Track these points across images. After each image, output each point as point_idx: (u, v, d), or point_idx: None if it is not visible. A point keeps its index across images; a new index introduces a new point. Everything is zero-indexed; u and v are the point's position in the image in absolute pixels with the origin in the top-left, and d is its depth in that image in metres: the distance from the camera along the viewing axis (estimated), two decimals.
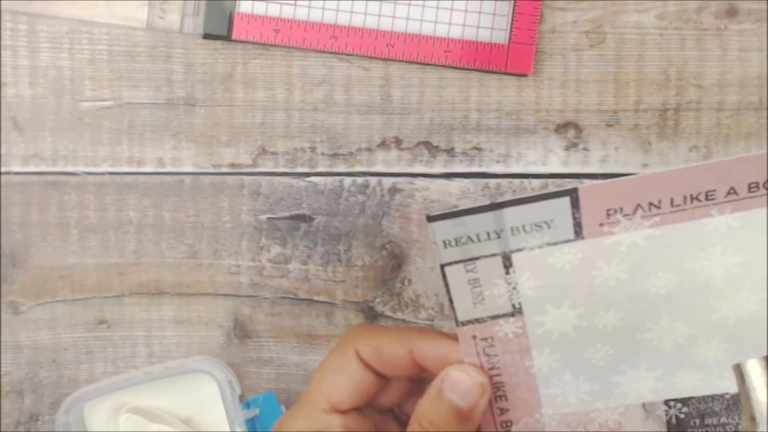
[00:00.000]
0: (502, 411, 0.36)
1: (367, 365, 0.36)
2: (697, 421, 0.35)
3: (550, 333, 0.34)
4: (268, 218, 0.50)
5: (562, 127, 0.49)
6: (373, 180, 0.50)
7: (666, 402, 0.35)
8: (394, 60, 0.49)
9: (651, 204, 0.31)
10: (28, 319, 0.50)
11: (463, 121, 0.49)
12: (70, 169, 0.49)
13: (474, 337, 0.34)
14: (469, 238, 0.33)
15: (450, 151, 0.49)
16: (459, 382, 0.34)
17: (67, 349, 0.50)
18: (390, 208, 0.50)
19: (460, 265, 0.33)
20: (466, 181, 0.49)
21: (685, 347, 0.34)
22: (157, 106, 0.49)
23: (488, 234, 0.32)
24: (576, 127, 0.49)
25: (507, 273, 0.33)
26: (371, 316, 0.50)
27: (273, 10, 0.48)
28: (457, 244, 0.33)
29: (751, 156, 0.30)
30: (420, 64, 0.49)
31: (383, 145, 0.49)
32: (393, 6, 0.48)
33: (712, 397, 0.35)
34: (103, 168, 0.49)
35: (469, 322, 0.34)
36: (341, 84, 0.49)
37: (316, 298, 0.50)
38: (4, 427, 0.50)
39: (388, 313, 0.50)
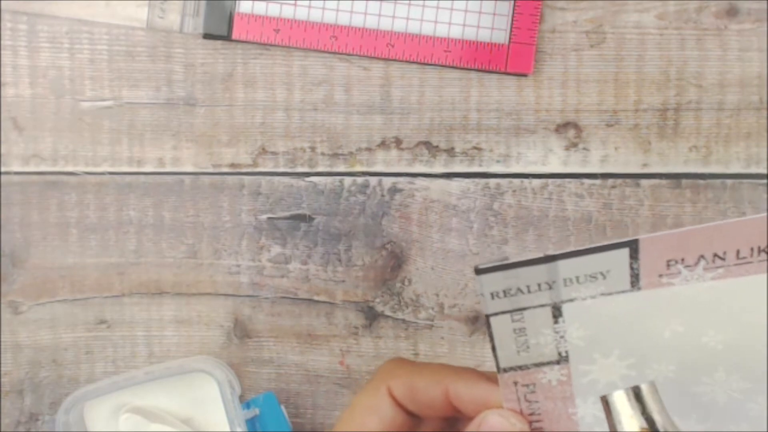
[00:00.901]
0: None
1: (399, 404, 0.35)
2: None
3: (597, 382, 0.33)
4: (268, 218, 0.50)
5: (562, 127, 0.49)
6: (373, 180, 0.50)
7: None
8: (394, 60, 0.49)
9: (716, 255, 0.30)
10: (28, 319, 0.50)
11: (463, 121, 0.49)
12: (70, 169, 0.49)
13: (515, 383, 0.33)
14: (519, 290, 0.31)
15: (450, 151, 0.49)
16: (497, 427, 0.33)
17: (67, 349, 0.50)
18: (390, 208, 0.50)
19: (507, 315, 0.32)
20: (466, 180, 0.49)
21: (740, 401, 0.33)
22: (157, 106, 0.49)
23: (539, 285, 0.31)
24: (576, 127, 0.49)
25: (556, 322, 0.32)
26: (371, 315, 0.50)
27: (273, 10, 0.48)
28: (505, 296, 0.31)
29: None
30: (420, 63, 0.49)
31: (383, 145, 0.49)
32: (393, 6, 0.48)
33: None
34: (103, 168, 0.49)
35: (512, 369, 0.33)
36: (341, 84, 0.49)
37: (316, 297, 0.50)
38: (4, 427, 0.50)
39: (388, 313, 0.50)
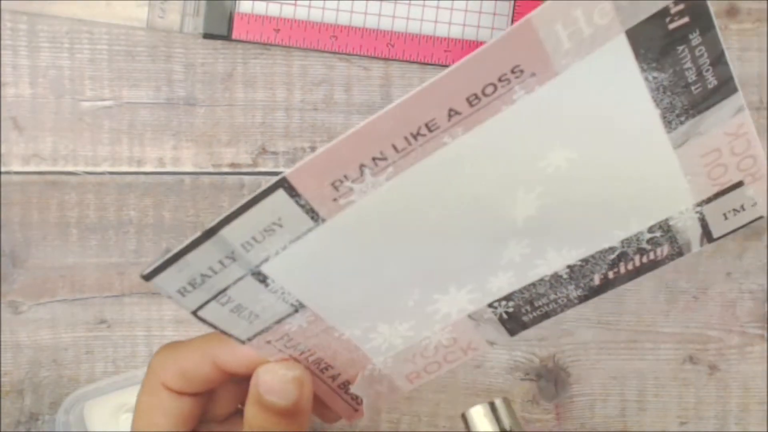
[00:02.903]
0: (334, 377, 0.35)
1: (179, 393, 0.35)
2: (528, 307, 0.35)
3: (344, 309, 0.33)
4: None
5: None
6: None
7: (490, 305, 0.35)
8: (395, 60, 0.49)
9: (375, 159, 0.29)
10: (28, 318, 0.50)
11: None
12: (70, 168, 0.49)
13: (268, 342, 0.33)
14: (204, 276, 0.30)
15: None
16: (271, 383, 0.33)
17: (67, 349, 0.50)
18: None
19: (213, 303, 0.31)
20: None
21: (486, 259, 0.33)
22: (157, 105, 0.49)
23: (221, 262, 0.30)
24: None
25: (267, 285, 0.31)
26: None
27: (273, 9, 0.48)
28: (194, 288, 0.30)
29: (455, 67, 0.27)
30: (420, 63, 0.49)
31: None
32: (393, 6, 0.48)
33: (533, 285, 0.34)
34: (103, 168, 0.49)
35: (255, 335, 0.32)
36: (341, 84, 0.49)
37: None
38: (4, 427, 0.50)
39: None
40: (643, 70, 0.29)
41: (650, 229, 0.34)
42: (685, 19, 0.28)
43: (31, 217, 0.50)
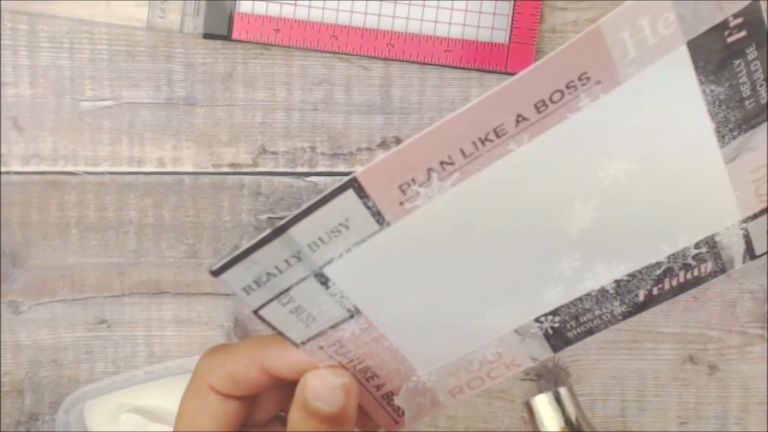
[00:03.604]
0: (379, 387, 0.35)
1: (227, 396, 0.35)
2: (573, 323, 0.35)
3: (397, 318, 0.33)
4: (269, 218, 0.50)
5: None
6: None
7: (536, 320, 0.34)
8: (395, 60, 0.49)
9: (443, 163, 0.29)
10: (28, 318, 0.50)
11: None
12: (70, 168, 0.49)
13: (320, 347, 0.33)
14: (269, 274, 0.30)
15: None
16: (319, 389, 0.33)
17: (67, 349, 0.50)
18: None
19: (274, 303, 0.31)
20: None
21: (538, 271, 0.33)
22: (157, 105, 0.49)
23: (287, 261, 0.30)
24: None
25: (327, 288, 0.31)
26: None
27: (273, 9, 0.48)
28: (259, 286, 0.30)
29: (526, 72, 0.28)
30: (420, 63, 0.49)
31: (383, 144, 0.49)
32: (393, 6, 0.48)
33: (580, 299, 0.34)
34: (103, 168, 0.49)
35: (309, 339, 0.33)
36: (341, 84, 0.49)
37: None
38: (5, 427, 0.50)
39: None
40: (701, 82, 0.29)
41: (696, 245, 0.33)
42: (743, 33, 0.29)
43: (31, 217, 0.50)
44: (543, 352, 0.36)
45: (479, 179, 0.29)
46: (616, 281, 0.34)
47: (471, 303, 0.33)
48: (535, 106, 0.28)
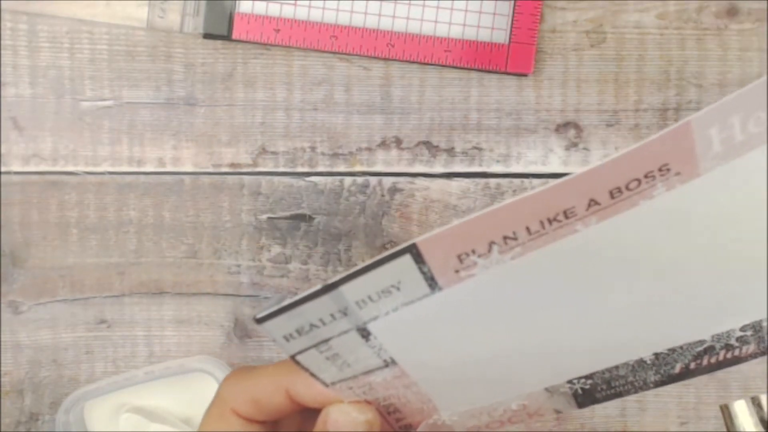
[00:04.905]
0: (399, 420, 0.35)
1: (249, 420, 0.35)
2: (604, 386, 0.35)
3: (431, 371, 0.33)
4: (269, 218, 0.50)
5: (562, 127, 0.49)
6: (373, 180, 0.49)
7: (569, 381, 0.34)
8: (395, 60, 0.49)
9: (506, 237, 0.28)
10: (28, 318, 0.50)
11: (464, 121, 0.49)
12: (70, 168, 0.49)
13: (350, 388, 0.33)
14: (313, 326, 0.30)
15: (450, 151, 0.49)
16: (342, 424, 0.33)
17: (67, 349, 0.50)
18: (390, 208, 0.50)
19: (313, 350, 0.31)
20: (467, 180, 0.49)
21: (582, 343, 0.33)
22: (157, 105, 0.49)
23: (332, 315, 0.30)
24: (576, 126, 0.49)
25: (368, 341, 0.31)
26: None
27: (273, 9, 0.48)
28: (300, 335, 0.30)
29: (608, 162, 0.27)
30: (420, 63, 0.49)
31: (383, 144, 0.49)
32: (393, 6, 0.48)
33: (616, 367, 0.34)
34: (103, 168, 0.49)
35: (340, 381, 0.32)
36: (341, 84, 0.49)
37: None
38: (5, 427, 0.50)
39: None
40: None
41: (742, 328, 0.33)
42: None
43: (31, 217, 0.50)
44: (568, 407, 0.35)
45: (539, 254, 0.29)
46: (655, 354, 0.34)
47: (509, 364, 0.33)
48: (610, 192, 0.28)
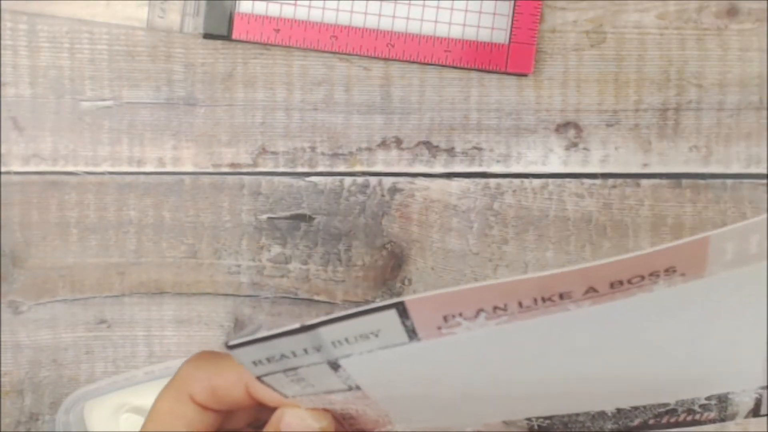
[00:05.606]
0: (351, 425, 0.35)
1: (204, 407, 0.35)
2: (561, 427, 0.35)
3: (394, 396, 0.33)
4: (268, 218, 0.50)
5: (562, 127, 0.49)
6: (373, 180, 0.50)
7: (527, 418, 0.35)
8: (395, 60, 0.49)
9: (496, 308, 0.29)
10: (28, 318, 0.50)
11: (464, 121, 0.49)
12: (70, 168, 0.49)
13: (311, 400, 0.33)
14: (284, 356, 0.30)
15: (450, 151, 0.49)
16: (295, 427, 0.33)
17: (67, 349, 0.50)
18: (390, 208, 0.50)
19: (280, 374, 0.31)
20: (467, 180, 0.50)
21: (549, 394, 0.33)
22: (157, 105, 0.49)
23: (305, 350, 0.30)
24: (576, 126, 0.49)
25: (336, 371, 0.31)
26: None
27: (273, 9, 0.48)
28: (270, 362, 0.30)
29: (615, 261, 0.28)
30: (420, 63, 0.49)
31: (383, 144, 0.49)
32: (393, 6, 0.48)
33: (577, 414, 0.34)
34: (103, 168, 0.49)
35: (301, 396, 0.33)
36: (341, 84, 0.49)
37: (316, 297, 0.50)
38: (5, 427, 0.50)
39: None
40: None
41: (708, 398, 0.34)
42: None
43: (31, 217, 0.50)
44: None
45: (525, 324, 0.29)
46: (618, 409, 0.34)
47: (473, 399, 0.34)
48: (611, 283, 0.28)
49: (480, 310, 0.29)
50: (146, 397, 0.49)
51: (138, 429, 0.48)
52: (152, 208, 0.50)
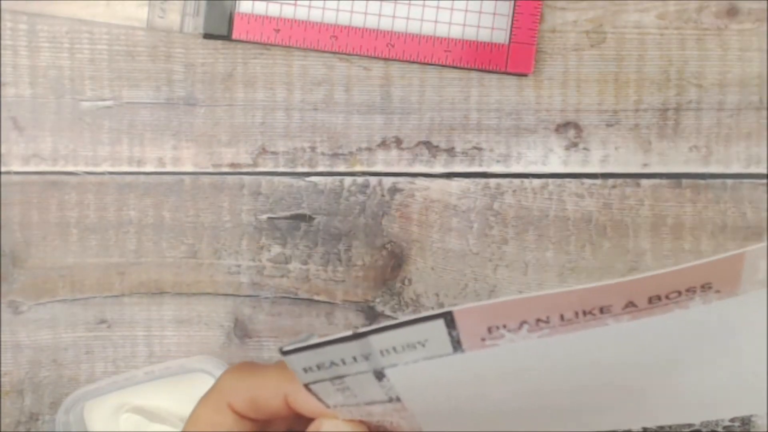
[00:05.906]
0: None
1: (243, 416, 0.36)
2: None
3: (432, 409, 0.34)
4: (269, 218, 0.50)
5: (562, 127, 0.49)
6: (373, 180, 0.50)
7: None
8: (395, 60, 0.49)
9: (539, 320, 0.30)
10: (28, 318, 0.50)
11: (464, 121, 0.49)
12: (70, 168, 0.49)
13: (350, 411, 0.34)
14: (333, 363, 0.31)
15: (450, 151, 0.49)
16: None
17: (67, 349, 0.50)
18: (390, 208, 0.50)
19: (327, 382, 0.32)
20: (467, 180, 0.50)
21: (583, 412, 0.34)
22: (157, 105, 0.49)
23: (354, 358, 0.31)
24: (576, 126, 0.49)
25: (380, 381, 0.32)
26: (371, 315, 0.50)
27: (273, 9, 0.48)
28: (319, 369, 0.31)
29: (654, 275, 0.29)
30: (420, 63, 0.49)
31: (383, 144, 0.49)
32: (393, 6, 0.48)
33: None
34: (103, 168, 0.49)
35: (342, 406, 0.33)
36: (341, 84, 0.49)
37: (316, 297, 0.50)
38: (5, 427, 0.50)
39: (388, 312, 0.50)
40: None
41: (732, 419, 0.34)
42: None
43: (31, 217, 0.50)
44: None
45: (566, 338, 0.30)
46: (645, 429, 0.35)
47: (506, 414, 0.34)
48: (650, 298, 0.29)
49: (523, 322, 0.30)
50: (146, 397, 0.49)
51: (138, 429, 0.49)
52: (152, 208, 0.50)
